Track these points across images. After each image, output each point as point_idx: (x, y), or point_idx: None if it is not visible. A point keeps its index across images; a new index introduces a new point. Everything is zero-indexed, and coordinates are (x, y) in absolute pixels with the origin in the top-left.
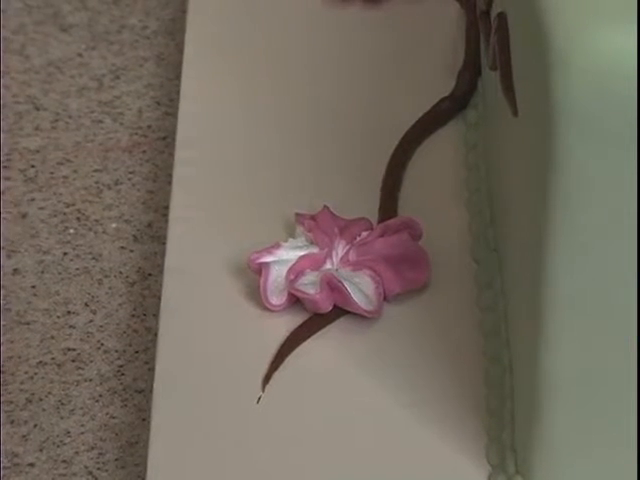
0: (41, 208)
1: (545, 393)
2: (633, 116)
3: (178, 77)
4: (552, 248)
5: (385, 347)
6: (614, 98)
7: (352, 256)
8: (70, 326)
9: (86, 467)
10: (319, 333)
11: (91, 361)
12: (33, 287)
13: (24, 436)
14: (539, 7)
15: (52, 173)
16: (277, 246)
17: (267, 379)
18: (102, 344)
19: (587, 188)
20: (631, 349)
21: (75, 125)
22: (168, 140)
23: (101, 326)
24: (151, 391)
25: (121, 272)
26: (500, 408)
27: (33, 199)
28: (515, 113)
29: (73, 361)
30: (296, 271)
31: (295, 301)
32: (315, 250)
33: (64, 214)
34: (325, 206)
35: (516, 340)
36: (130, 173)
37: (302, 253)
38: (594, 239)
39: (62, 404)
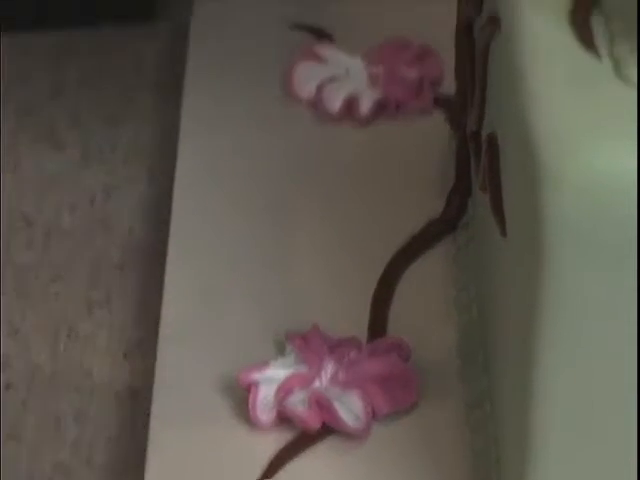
0: (33, 323)
1: None
2: (629, 235)
3: (170, 193)
4: (541, 371)
5: (374, 466)
6: (607, 217)
7: (341, 375)
8: (60, 441)
9: None
10: (308, 451)
11: (80, 476)
12: (23, 402)
13: None
14: (529, 125)
15: (44, 288)
16: (266, 364)
17: None
18: (91, 459)
19: (578, 310)
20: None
21: (67, 241)
22: (159, 257)
23: (90, 441)
24: None
25: (111, 388)
26: None
27: (25, 314)
28: (504, 234)
29: (63, 475)
30: (285, 389)
31: (284, 418)
32: (304, 368)
33: (55, 329)
34: (315, 325)
35: (505, 461)
36: (121, 290)
37: (291, 371)
38: (585, 365)
39: None
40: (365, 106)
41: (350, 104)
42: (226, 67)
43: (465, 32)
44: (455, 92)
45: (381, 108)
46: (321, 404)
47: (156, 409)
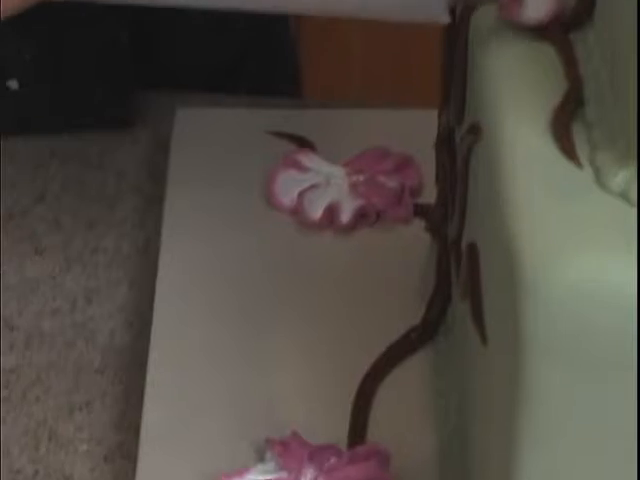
0: (13, 426)
1: None
2: (608, 346)
3: (151, 298)
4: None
5: None
6: (587, 329)
7: None
8: None
9: None
10: None
11: None
12: None
13: None
14: (510, 236)
15: (25, 392)
16: (247, 470)
17: None
18: None
19: (559, 419)
20: None
21: (48, 345)
22: (140, 361)
23: None
24: None
25: None
26: None
27: (6, 417)
28: (484, 342)
29: None
30: None
31: None
32: (284, 475)
33: (36, 433)
34: (294, 431)
35: None
36: (102, 393)
37: (271, 477)
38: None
39: None
40: (346, 214)
41: (331, 212)
42: (207, 174)
43: (445, 141)
44: (435, 201)
45: (362, 216)
46: None
47: None
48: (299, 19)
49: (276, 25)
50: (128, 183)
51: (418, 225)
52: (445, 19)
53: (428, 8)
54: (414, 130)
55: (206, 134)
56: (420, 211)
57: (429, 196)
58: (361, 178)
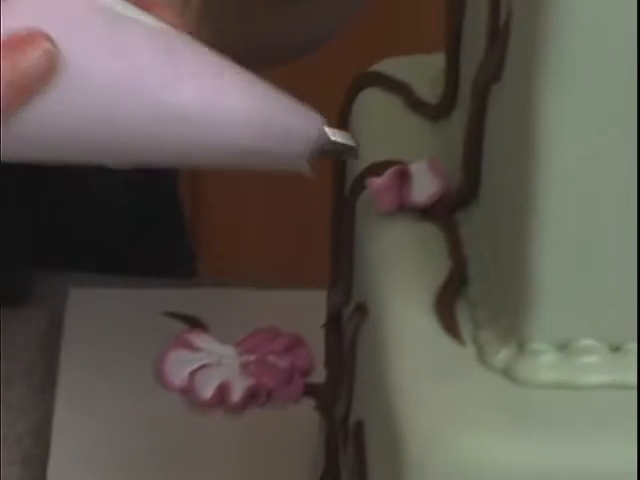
0: None
1: None
2: None
3: (44, 478)
4: None
5: None
6: None
7: None
8: None
9: None
10: None
11: None
12: None
13: None
14: (394, 415)
15: None
16: None
17: None
18: None
19: None
20: None
21: None
22: None
23: None
24: None
25: None
26: None
27: None
28: None
29: None
30: None
31: None
32: None
33: None
34: None
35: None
36: None
37: None
38: None
39: None
40: (236, 394)
41: (221, 392)
42: (100, 354)
43: (334, 321)
44: (325, 380)
45: (252, 396)
46: None
47: None
48: (195, 200)
49: (170, 207)
50: (21, 361)
51: (308, 404)
52: (305, 169)
53: (290, 158)
54: (304, 310)
55: (99, 314)
56: (310, 390)
57: (320, 375)
58: (252, 358)
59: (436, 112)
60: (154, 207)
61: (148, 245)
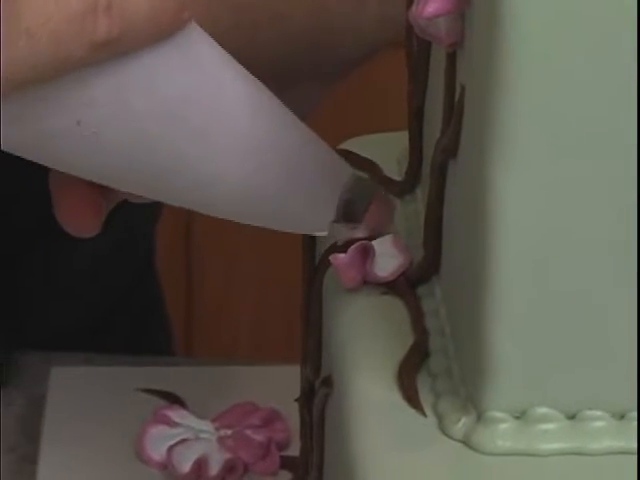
0: None
1: None
2: None
3: None
4: None
5: None
6: None
7: None
8: None
9: None
10: None
11: None
12: None
13: None
14: None
15: None
16: None
17: None
18: None
19: None
20: None
21: None
22: None
23: None
24: None
25: None
26: None
27: None
28: None
29: None
30: None
31: None
32: None
33: None
34: None
35: None
36: None
37: None
38: None
39: None
40: (214, 468)
41: (199, 466)
42: (80, 431)
43: (307, 396)
44: (300, 453)
45: (230, 470)
46: None
47: None
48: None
49: (145, 285)
50: (3, 443)
51: (285, 477)
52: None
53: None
54: (281, 385)
55: (80, 392)
56: (287, 463)
57: (296, 449)
58: (229, 432)
59: (401, 189)
60: (129, 287)
61: (127, 323)
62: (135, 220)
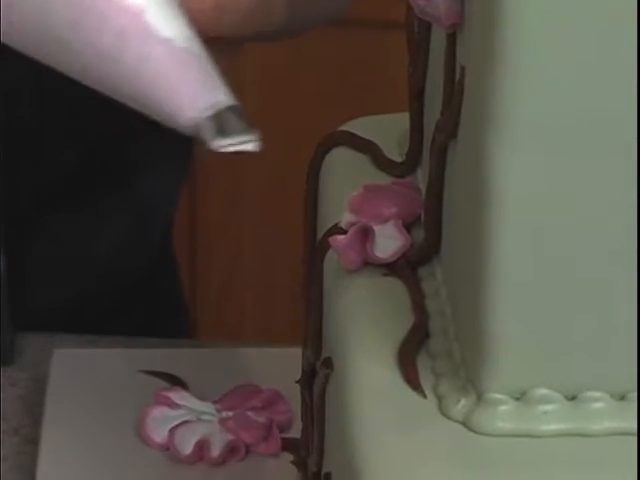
0: None
1: None
2: None
3: None
4: None
5: None
6: None
7: None
8: None
9: None
10: None
11: None
12: None
13: None
14: (356, 466)
15: None
16: None
17: None
18: None
19: None
20: None
21: None
22: None
23: None
24: None
25: None
26: None
27: None
28: None
29: None
30: None
31: None
32: None
33: None
34: None
35: None
36: None
37: None
38: None
39: None
40: (216, 449)
41: (201, 447)
42: (83, 413)
43: (308, 378)
44: (301, 435)
45: (231, 451)
46: None
47: None
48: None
49: (161, 270)
50: (6, 423)
51: (288, 458)
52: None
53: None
54: (283, 367)
55: (82, 374)
56: (288, 445)
57: (298, 430)
58: (230, 414)
59: (402, 170)
60: (142, 271)
61: (135, 309)
62: (154, 204)
